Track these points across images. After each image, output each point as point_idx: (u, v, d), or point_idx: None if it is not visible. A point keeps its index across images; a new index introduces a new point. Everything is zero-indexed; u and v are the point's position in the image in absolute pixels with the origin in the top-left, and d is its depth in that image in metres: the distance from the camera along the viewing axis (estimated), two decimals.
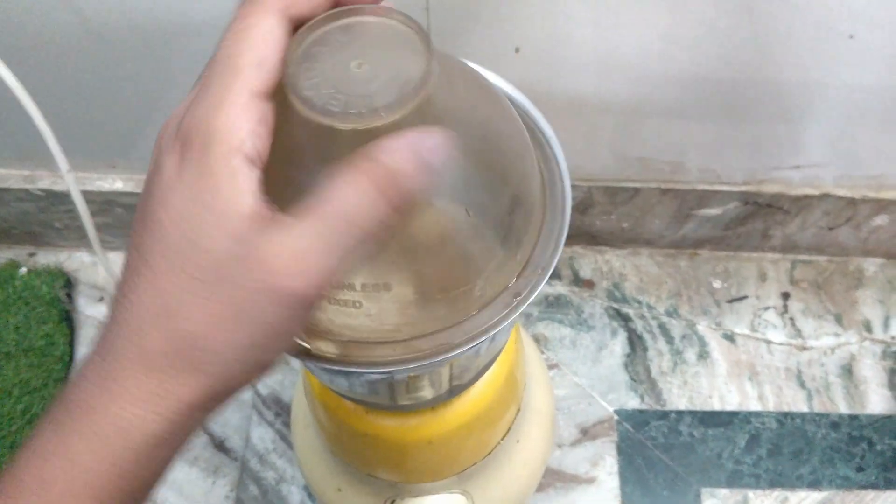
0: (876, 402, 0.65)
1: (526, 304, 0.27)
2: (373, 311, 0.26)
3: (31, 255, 0.74)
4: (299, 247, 0.21)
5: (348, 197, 0.21)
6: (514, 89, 0.32)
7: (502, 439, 0.46)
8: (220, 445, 0.64)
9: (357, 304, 0.25)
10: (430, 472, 0.43)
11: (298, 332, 0.23)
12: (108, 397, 0.22)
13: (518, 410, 0.47)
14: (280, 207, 0.21)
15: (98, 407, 0.22)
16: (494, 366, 0.40)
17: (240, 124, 0.21)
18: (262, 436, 0.64)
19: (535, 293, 0.27)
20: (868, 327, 0.68)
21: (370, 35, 0.23)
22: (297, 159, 0.23)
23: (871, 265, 0.71)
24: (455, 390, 0.36)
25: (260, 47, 0.22)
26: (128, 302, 0.22)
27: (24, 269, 0.72)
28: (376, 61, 0.23)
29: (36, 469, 0.22)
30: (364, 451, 0.42)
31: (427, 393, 0.35)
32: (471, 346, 0.26)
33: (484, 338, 0.26)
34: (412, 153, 0.21)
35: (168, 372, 0.22)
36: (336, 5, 0.24)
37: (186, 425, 0.23)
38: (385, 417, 0.38)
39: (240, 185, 0.21)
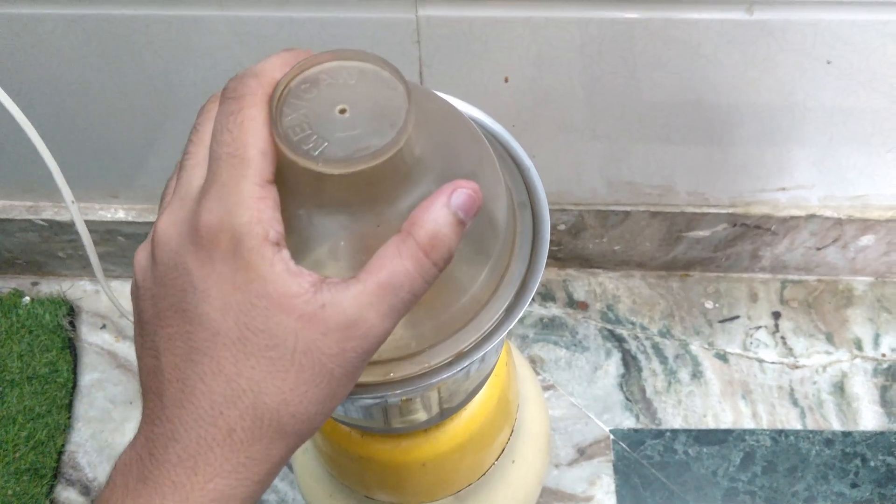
0: (868, 419, 0.66)
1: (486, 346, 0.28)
2: None
3: (35, 284, 0.75)
4: (362, 300, 0.23)
5: (397, 266, 0.23)
6: (493, 122, 0.33)
7: (497, 460, 0.47)
8: None
9: None
10: (425, 493, 0.44)
11: (363, 370, 0.25)
12: (197, 475, 0.24)
13: (512, 432, 0.48)
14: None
15: (188, 484, 0.24)
16: (486, 388, 0.41)
17: (261, 217, 0.23)
18: None
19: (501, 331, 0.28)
20: (859, 345, 0.69)
21: (351, 80, 0.25)
22: (292, 207, 0.24)
23: (860, 284, 0.72)
24: (446, 413, 0.37)
25: (262, 137, 0.24)
26: (189, 388, 0.24)
27: (27, 299, 0.73)
28: (358, 106, 0.24)
29: None
30: (360, 474, 0.43)
31: (418, 416, 0.36)
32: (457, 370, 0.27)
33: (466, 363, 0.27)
34: (449, 214, 0.23)
35: (255, 444, 0.24)
36: None
37: (271, 479, 0.25)
38: (379, 441, 0.39)
39: (280, 271, 0.23)
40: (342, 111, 0.24)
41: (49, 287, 0.75)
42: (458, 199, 0.24)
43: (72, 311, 0.73)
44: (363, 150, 0.23)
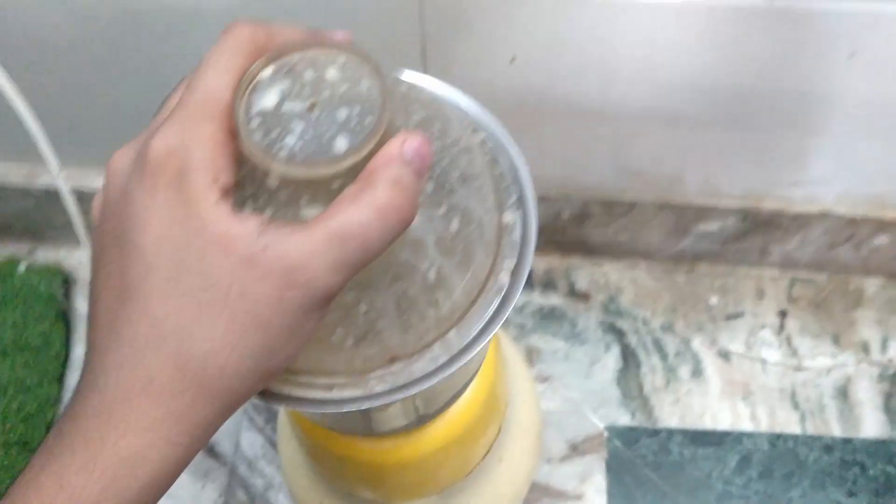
0: (870, 426, 0.64)
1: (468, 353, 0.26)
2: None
3: (31, 251, 0.75)
4: (307, 247, 0.21)
5: (351, 215, 0.21)
6: (484, 111, 0.31)
7: (483, 458, 0.46)
8: (209, 450, 0.64)
9: None
10: (408, 492, 0.43)
11: (311, 332, 0.23)
12: (110, 429, 0.22)
13: (500, 430, 0.46)
14: None
15: (99, 439, 0.22)
16: (472, 388, 0.40)
17: (215, 160, 0.22)
18: (252, 442, 0.64)
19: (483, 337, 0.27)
20: (865, 348, 0.67)
21: (327, 71, 0.23)
22: (250, 197, 0.23)
23: (871, 285, 0.70)
24: (425, 418, 0.35)
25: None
26: (116, 331, 0.22)
27: (22, 267, 0.72)
28: (331, 102, 0.22)
29: (36, 503, 0.22)
30: (341, 472, 0.42)
31: (398, 420, 0.34)
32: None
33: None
34: (405, 164, 0.22)
35: (177, 398, 0.22)
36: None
37: (195, 446, 0.23)
38: (358, 441, 0.38)
39: (222, 211, 0.21)
40: (312, 106, 0.22)
41: (46, 255, 0.74)
42: (411, 149, 0.22)
43: (67, 281, 0.72)
44: (324, 152, 0.21)
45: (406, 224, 0.22)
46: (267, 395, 0.26)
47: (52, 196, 0.67)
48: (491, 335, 0.27)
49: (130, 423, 0.21)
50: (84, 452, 0.21)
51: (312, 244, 0.21)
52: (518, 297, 0.27)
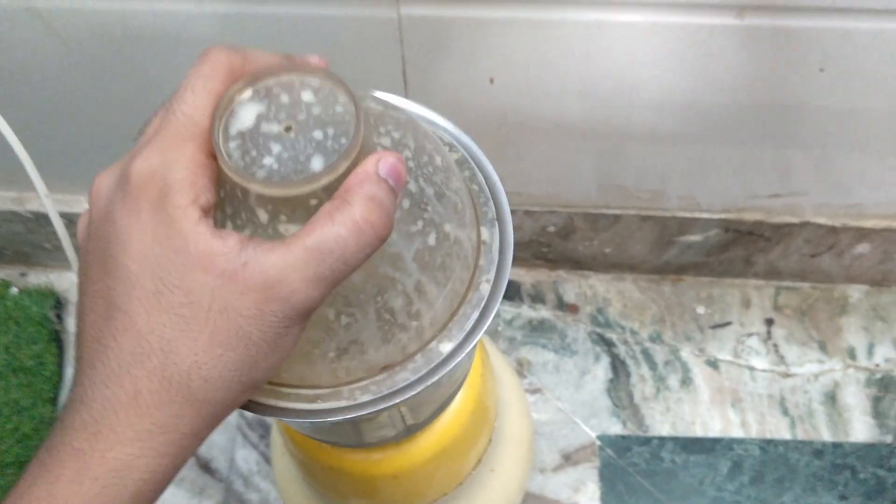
0: (860, 430, 0.65)
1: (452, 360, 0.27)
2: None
3: (23, 274, 0.75)
4: (286, 262, 0.22)
5: (328, 231, 0.22)
6: (459, 132, 0.32)
7: (474, 469, 0.46)
8: (205, 466, 0.65)
9: None
10: (401, 503, 0.44)
11: (292, 344, 0.23)
12: (99, 441, 0.22)
13: (490, 440, 0.47)
14: None
15: (88, 451, 0.22)
16: (460, 398, 0.40)
17: (196, 181, 0.22)
18: (247, 457, 0.65)
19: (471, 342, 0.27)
20: (852, 354, 0.68)
21: (302, 95, 0.24)
22: (230, 216, 0.23)
23: (855, 292, 0.71)
24: (413, 428, 0.36)
25: None
26: (102, 347, 0.23)
27: (15, 290, 0.73)
28: (306, 125, 0.23)
29: None
30: (333, 484, 0.42)
31: (387, 431, 0.35)
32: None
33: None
34: (381, 181, 0.22)
35: (163, 409, 0.22)
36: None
37: (182, 456, 0.23)
38: (349, 453, 0.39)
39: (202, 230, 0.22)
40: (288, 128, 0.23)
41: (37, 278, 0.75)
42: (386, 167, 0.23)
43: (59, 304, 0.73)
44: (301, 171, 0.22)
45: (382, 239, 0.23)
46: (253, 406, 0.27)
47: (41, 220, 0.68)
48: (471, 346, 0.27)
49: (118, 434, 0.22)
50: (74, 464, 0.22)
51: (291, 259, 0.22)
52: (497, 309, 0.28)
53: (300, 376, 0.27)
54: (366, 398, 0.26)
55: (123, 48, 0.50)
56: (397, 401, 0.26)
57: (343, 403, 0.26)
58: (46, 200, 0.48)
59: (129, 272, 0.22)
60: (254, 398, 0.27)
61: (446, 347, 0.27)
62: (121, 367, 0.22)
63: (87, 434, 0.22)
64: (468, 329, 0.28)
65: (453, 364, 0.27)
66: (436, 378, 0.27)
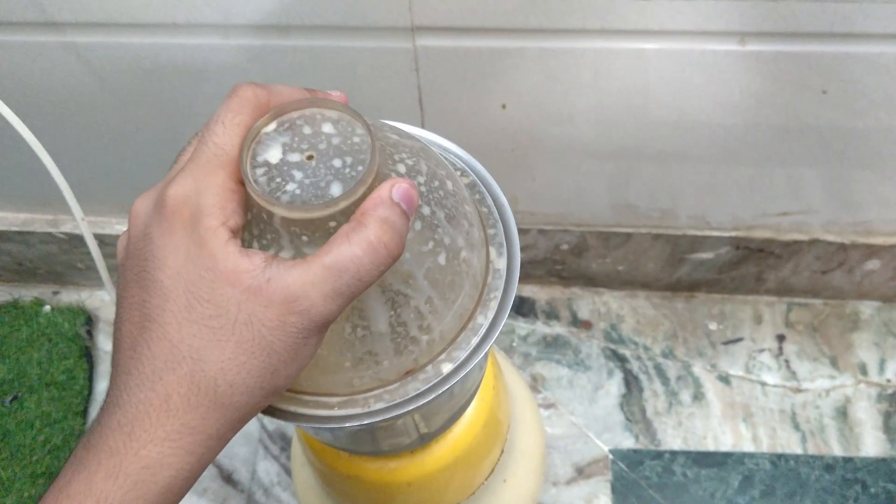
0: (870, 445, 0.66)
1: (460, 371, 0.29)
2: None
3: (56, 293, 0.78)
4: (306, 279, 0.24)
5: (344, 250, 0.24)
6: (470, 157, 0.34)
7: (486, 479, 0.48)
8: (227, 478, 0.67)
9: None
10: None
11: (311, 353, 0.25)
12: (132, 440, 0.25)
13: (502, 451, 0.49)
14: None
15: (123, 449, 0.25)
16: (472, 409, 0.42)
17: (225, 206, 0.25)
18: (268, 469, 0.67)
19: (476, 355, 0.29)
20: (864, 370, 0.69)
21: (323, 127, 0.26)
22: (256, 237, 0.26)
23: (866, 308, 0.72)
24: (427, 437, 0.38)
25: None
26: (137, 354, 0.25)
27: (48, 307, 0.76)
28: (326, 154, 0.25)
29: None
30: (350, 491, 0.44)
31: (402, 439, 0.37)
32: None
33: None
34: (394, 204, 0.25)
35: (191, 412, 0.25)
36: None
37: (208, 456, 0.26)
38: (366, 461, 0.41)
39: (231, 250, 0.24)
40: (310, 157, 0.25)
41: (69, 296, 0.77)
42: (399, 193, 0.25)
43: (90, 321, 0.76)
44: (321, 196, 0.24)
45: (394, 258, 0.25)
46: (276, 412, 0.29)
47: (74, 241, 0.71)
48: (479, 358, 0.29)
49: (150, 434, 0.24)
50: (109, 461, 0.24)
51: (311, 276, 0.24)
52: (503, 323, 0.30)
53: (319, 384, 0.29)
54: (379, 406, 0.28)
55: (154, 80, 0.53)
56: (409, 408, 0.28)
57: (358, 410, 0.28)
58: (83, 224, 0.50)
59: (163, 287, 0.24)
60: (276, 405, 0.29)
61: (456, 359, 0.29)
62: (154, 372, 0.25)
63: (122, 434, 0.25)
64: (476, 342, 0.30)
65: (462, 374, 0.29)
66: (446, 388, 0.28)
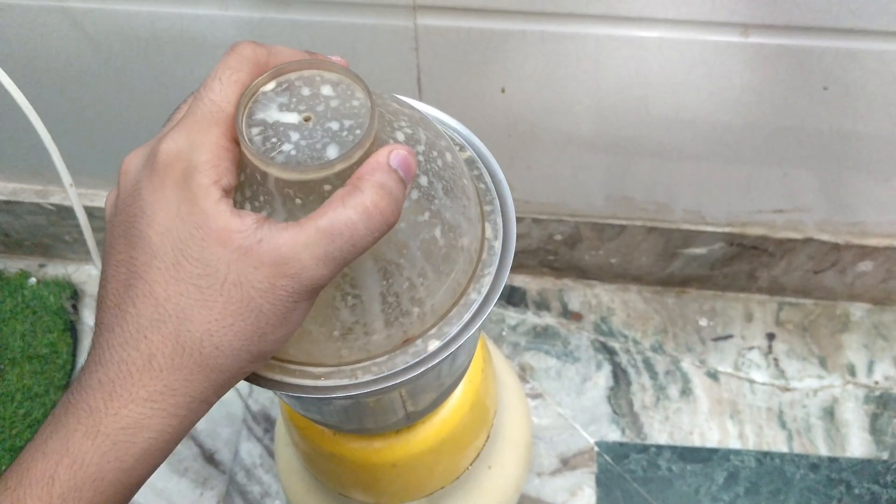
0: (856, 446, 0.66)
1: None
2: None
3: (42, 266, 0.77)
4: (298, 241, 0.23)
5: (339, 214, 0.23)
6: (471, 134, 0.34)
7: (471, 465, 0.48)
8: (209, 458, 0.66)
9: None
10: (398, 493, 0.45)
11: (300, 319, 0.25)
12: (112, 400, 0.24)
13: (488, 437, 0.48)
14: None
15: (103, 409, 0.24)
16: (460, 393, 0.42)
17: (219, 163, 0.24)
18: (251, 450, 0.66)
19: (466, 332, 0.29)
20: (852, 371, 0.69)
21: (321, 89, 0.25)
22: (249, 198, 0.25)
23: (857, 310, 0.72)
24: (413, 416, 0.37)
25: None
26: (122, 312, 0.24)
27: (33, 280, 0.75)
28: (324, 116, 0.25)
29: (41, 465, 0.24)
30: (334, 472, 0.44)
31: (388, 417, 0.36)
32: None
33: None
34: (392, 171, 0.24)
35: (175, 372, 0.24)
36: None
37: (190, 419, 0.25)
38: (351, 440, 0.40)
39: (223, 209, 0.24)
40: (307, 119, 0.25)
41: (55, 269, 0.77)
42: (397, 159, 0.24)
43: (75, 295, 0.75)
44: (317, 158, 0.24)
45: (390, 225, 0.24)
46: (261, 379, 0.28)
47: (63, 213, 0.70)
48: (469, 334, 0.29)
49: (132, 394, 0.24)
50: (88, 420, 0.24)
51: (303, 239, 0.23)
52: (495, 300, 0.29)
53: (306, 353, 0.28)
54: (367, 378, 0.28)
55: (150, 49, 0.52)
56: (397, 381, 0.27)
57: (345, 381, 0.28)
58: (71, 191, 0.50)
59: (151, 244, 0.24)
60: (261, 372, 0.29)
61: (447, 334, 0.29)
62: (138, 331, 0.24)
63: (103, 393, 0.24)
64: (468, 318, 0.29)
65: (453, 349, 0.28)
66: (436, 362, 0.28)
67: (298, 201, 0.24)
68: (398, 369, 0.28)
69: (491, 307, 0.29)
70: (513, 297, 0.73)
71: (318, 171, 0.23)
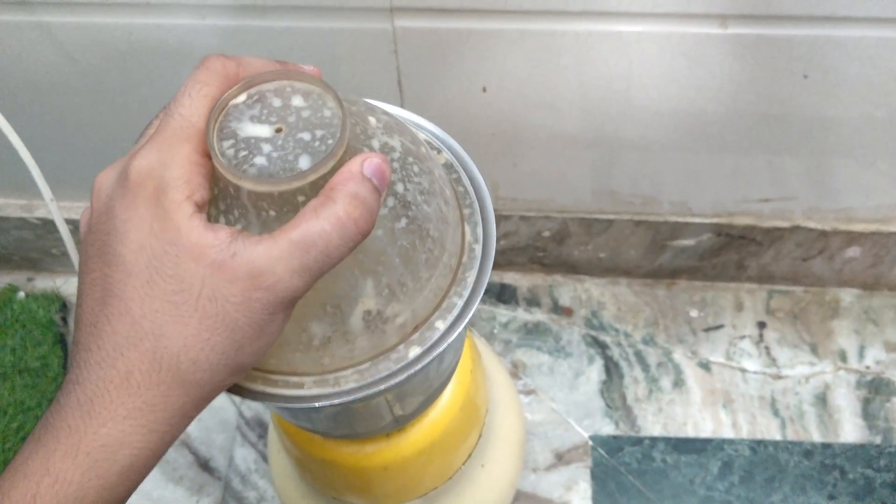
0: (849, 431, 0.66)
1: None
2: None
3: (30, 279, 0.77)
4: (272, 253, 0.23)
5: (312, 225, 0.23)
6: (448, 136, 0.34)
7: (464, 464, 0.48)
8: (204, 465, 0.66)
9: None
10: (391, 496, 0.45)
11: (278, 330, 0.25)
12: (92, 418, 0.24)
13: (480, 436, 0.48)
14: None
15: (82, 428, 0.24)
16: (450, 393, 0.42)
17: (191, 179, 0.24)
18: (245, 456, 0.66)
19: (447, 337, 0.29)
20: (843, 357, 0.69)
21: (292, 99, 0.25)
22: (223, 212, 0.25)
23: (847, 295, 0.72)
24: (402, 420, 0.37)
25: None
26: (98, 331, 0.24)
27: (21, 294, 0.75)
28: (295, 127, 0.25)
29: (22, 486, 0.24)
30: (326, 476, 0.44)
31: (377, 422, 0.36)
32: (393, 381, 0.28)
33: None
34: (365, 179, 0.24)
35: (153, 389, 0.24)
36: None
37: (171, 434, 0.25)
38: (341, 445, 0.40)
39: (196, 224, 0.24)
40: (278, 130, 0.25)
41: (44, 283, 0.76)
42: (370, 168, 0.24)
43: (64, 307, 0.75)
44: (289, 170, 0.24)
45: (364, 235, 0.24)
46: (243, 391, 0.28)
47: (48, 226, 0.70)
48: (452, 338, 0.29)
49: (111, 412, 0.24)
50: (68, 440, 0.24)
51: (277, 251, 0.23)
52: (477, 304, 0.29)
53: (288, 363, 0.28)
54: (350, 386, 0.28)
55: (127, 61, 0.52)
56: (381, 388, 0.27)
57: (328, 390, 0.28)
58: (52, 205, 0.49)
59: (125, 261, 0.24)
60: (244, 384, 0.28)
61: (429, 339, 0.29)
62: (115, 349, 0.24)
63: (82, 412, 0.24)
64: (450, 321, 0.29)
65: (435, 354, 0.28)
66: (419, 367, 0.28)
67: (273, 213, 0.24)
68: (381, 376, 0.28)
69: (473, 309, 0.29)
70: (503, 294, 0.73)
71: (290, 182, 0.23)
